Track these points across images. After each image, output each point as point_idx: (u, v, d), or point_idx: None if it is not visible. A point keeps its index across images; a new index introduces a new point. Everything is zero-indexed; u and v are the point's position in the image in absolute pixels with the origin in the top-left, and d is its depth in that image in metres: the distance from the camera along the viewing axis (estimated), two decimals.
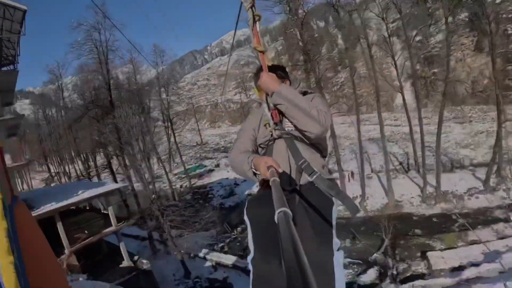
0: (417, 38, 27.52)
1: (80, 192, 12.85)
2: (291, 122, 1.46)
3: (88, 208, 16.68)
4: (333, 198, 1.27)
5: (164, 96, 31.69)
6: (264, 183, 1.39)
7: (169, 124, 32.24)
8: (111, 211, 13.31)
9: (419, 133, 18.69)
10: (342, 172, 19.71)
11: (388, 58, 40.31)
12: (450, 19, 17.18)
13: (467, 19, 26.04)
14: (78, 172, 35.50)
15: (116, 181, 24.67)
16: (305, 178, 1.37)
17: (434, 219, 16.22)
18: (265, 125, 1.56)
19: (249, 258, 1.28)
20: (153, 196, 16.98)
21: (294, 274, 0.39)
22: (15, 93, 13.36)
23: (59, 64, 29.48)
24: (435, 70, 26.75)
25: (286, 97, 1.39)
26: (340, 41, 31.14)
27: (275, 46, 67.25)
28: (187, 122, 66.50)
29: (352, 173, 21.41)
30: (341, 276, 1.14)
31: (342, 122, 33.71)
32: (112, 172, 26.05)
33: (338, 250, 1.20)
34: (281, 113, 1.50)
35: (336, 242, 1.21)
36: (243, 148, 1.58)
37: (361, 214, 17.14)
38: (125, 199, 22.42)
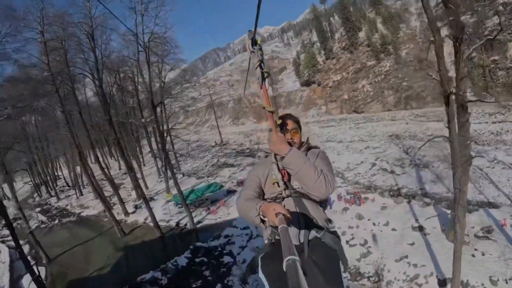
0: (471, 20, 23.93)
1: None
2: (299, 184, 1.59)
3: None
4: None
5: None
6: (273, 235, 1.53)
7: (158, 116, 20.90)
8: None
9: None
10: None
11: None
12: None
13: None
14: None
15: None
16: (313, 234, 1.51)
17: None
18: (273, 183, 1.64)
19: None
20: None
21: None
22: None
23: None
24: (496, 58, 23.00)
25: (296, 163, 1.47)
26: (379, 26, 27.90)
27: (301, 38, 64.74)
28: (208, 119, 64.98)
29: None
30: None
31: (390, 118, 29.97)
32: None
33: None
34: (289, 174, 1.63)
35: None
36: (251, 194, 1.67)
37: None
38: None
